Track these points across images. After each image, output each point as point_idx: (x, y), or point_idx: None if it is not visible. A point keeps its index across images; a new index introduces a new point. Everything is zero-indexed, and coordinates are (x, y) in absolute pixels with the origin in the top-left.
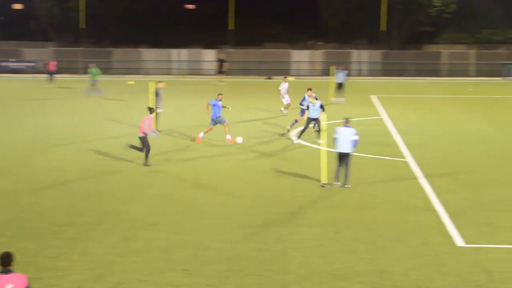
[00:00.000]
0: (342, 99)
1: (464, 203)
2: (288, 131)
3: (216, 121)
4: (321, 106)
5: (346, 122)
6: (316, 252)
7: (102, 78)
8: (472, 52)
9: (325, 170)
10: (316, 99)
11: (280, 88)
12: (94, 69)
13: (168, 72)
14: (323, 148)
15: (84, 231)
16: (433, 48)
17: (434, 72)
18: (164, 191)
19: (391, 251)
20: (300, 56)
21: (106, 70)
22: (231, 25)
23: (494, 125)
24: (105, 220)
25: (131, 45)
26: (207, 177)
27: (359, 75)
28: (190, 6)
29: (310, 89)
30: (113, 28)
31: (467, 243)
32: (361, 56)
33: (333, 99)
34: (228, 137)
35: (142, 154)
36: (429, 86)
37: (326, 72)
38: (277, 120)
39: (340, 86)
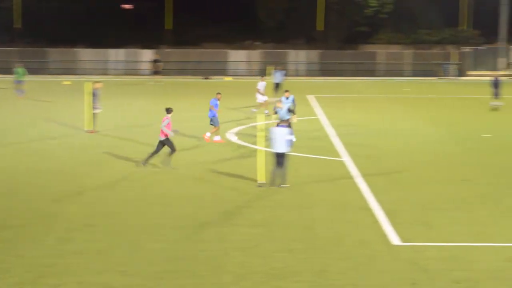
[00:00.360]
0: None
1: (400, 202)
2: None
3: (213, 120)
4: (289, 110)
5: (281, 122)
6: (254, 251)
7: (38, 78)
8: (408, 52)
9: (262, 170)
10: (287, 98)
11: (258, 87)
12: (20, 69)
13: (105, 72)
14: (260, 148)
15: (19, 233)
16: (370, 48)
17: (371, 72)
18: (100, 192)
19: (328, 250)
20: (237, 56)
21: (42, 70)
22: (168, 25)
23: (429, 124)
24: (40, 221)
25: (67, 45)
26: (145, 178)
27: (297, 75)
28: (127, 6)
29: (287, 91)
30: (49, 28)
31: (403, 241)
32: (298, 56)
33: (271, 99)
34: (217, 138)
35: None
36: (366, 86)
37: (263, 72)
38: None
39: (277, 86)
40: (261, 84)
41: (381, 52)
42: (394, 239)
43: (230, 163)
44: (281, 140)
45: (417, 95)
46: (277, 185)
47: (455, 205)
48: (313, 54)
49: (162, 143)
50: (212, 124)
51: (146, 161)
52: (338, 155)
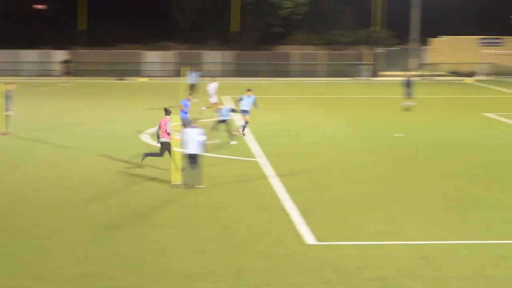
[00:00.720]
0: (195, 100)
1: (314, 201)
2: (243, 135)
3: (184, 121)
4: (233, 110)
5: (193, 123)
6: (170, 252)
7: None
8: (322, 53)
9: (177, 171)
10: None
11: (207, 89)
12: None
13: (17, 73)
14: (175, 149)
15: None
16: (284, 49)
17: (285, 73)
18: (12, 195)
19: (244, 251)
20: (151, 57)
21: None
22: (82, 25)
23: (343, 124)
24: None
25: None
26: (57, 180)
27: (212, 76)
28: (40, 6)
29: (250, 90)
30: None
31: (318, 240)
32: (213, 57)
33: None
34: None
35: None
36: (281, 87)
37: (178, 73)
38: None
39: (193, 87)
40: (212, 86)
41: (296, 52)
42: (309, 238)
43: (145, 165)
44: (193, 141)
45: (331, 95)
46: (192, 186)
47: (368, 204)
48: (228, 55)
49: (162, 144)
50: (183, 125)
51: (144, 157)
52: (253, 156)
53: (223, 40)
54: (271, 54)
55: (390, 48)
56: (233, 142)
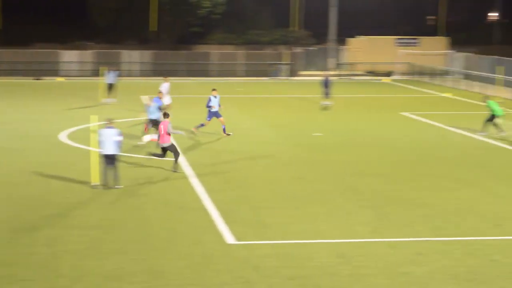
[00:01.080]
0: (113, 100)
1: (234, 201)
2: (193, 132)
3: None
4: (160, 108)
5: (109, 124)
6: (88, 254)
7: None
8: (240, 52)
9: (96, 171)
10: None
11: (160, 89)
12: None
13: None
14: (94, 150)
15: None
16: (203, 48)
17: (204, 72)
18: None
19: (164, 251)
20: (69, 57)
21: None
22: None
23: (262, 123)
24: None
25: None
26: None
27: (130, 75)
28: None
29: (215, 90)
30: None
31: (237, 240)
32: (131, 56)
33: (104, 100)
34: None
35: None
36: (200, 86)
37: (96, 73)
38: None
39: (111, 87)
40: (164, 86)
41: (215, 52)
42: (229, 238)
43: (63, 165)
44: (110, 141)
45: (250, 95)
46: (110, 186)
47: (288, 203)
48: (147, 55)
49: (170, 147)
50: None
51: (175, 166)
52: (173, 156)
53: (142, 40)
54: (190, 54)
55: (308, 48)
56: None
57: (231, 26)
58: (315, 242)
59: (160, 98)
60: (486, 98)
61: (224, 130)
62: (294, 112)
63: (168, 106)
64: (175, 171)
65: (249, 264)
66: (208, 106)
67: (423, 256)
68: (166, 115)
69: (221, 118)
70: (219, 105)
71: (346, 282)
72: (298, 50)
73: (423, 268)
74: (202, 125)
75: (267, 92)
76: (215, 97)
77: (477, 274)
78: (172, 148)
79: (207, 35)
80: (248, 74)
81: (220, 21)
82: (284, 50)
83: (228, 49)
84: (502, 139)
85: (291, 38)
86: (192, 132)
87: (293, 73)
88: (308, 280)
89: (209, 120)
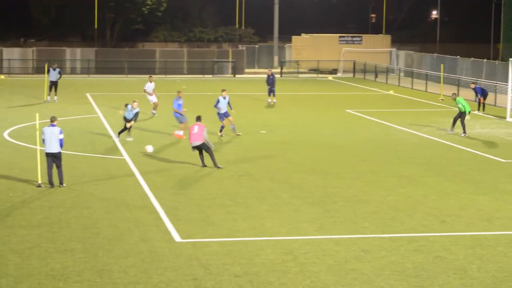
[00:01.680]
0: (55, 98)
1: (180, 199)
2: (221, 135)
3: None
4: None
5: (52, 121)
6: (33, 253)
7: None
8: (184, 50)
9: (40, 170)
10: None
11: (145, 88)
12: None
13: None
14: (39, 148)
15: None
16: (147, 46)
17: (149, 70)
18: None
19: (110, 249)
20: (11, 54)
21: None
22: None
23: (207, 121)
24: None
25: None
26: None
27: (73, 73)
28: None
29: (224, 90)
30: None
31: (184, 238)
32: (74, 54)
33: (47, 98)
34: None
35: None
36: (143, 84)
37: (39, 70)
38: (148, 123)
39: (53, 84)
40: (148, 85)
41: (158, 50)
42: (176, 236)
43: (6, 164)
44: (53, 139)
45: (194, 92)
46: (55, 185)
47: (234, 201)
48: (89, 52)
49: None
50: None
51: (216, 165)
52: (118, 153)
53: (85, 37)
54: (133, 51)
55: (253, 46)
56: (129, 139)
57: (175, 24)
58: (262, 240)
59: (224, 97)
60: (454, 95)
61: (233, 129)
62: (238, 109)
63: (155, 104)
64: (218, 167)
65: (196, 262)
66: (216, 107)
67: (369, 253)
68: (198, 118)
69: (230, 118)
70: (230, 107)
71: (294, 279)
72: (242, 47)
73: (369, 264)
74: (222, 127)
75: (211, 90)
76: (224, 98)
77: (422, 270)
78: (204, 147)
79: (151, 33)
80: (192, 71)
81: (164, 18)
82: (228, 48)
83: (172, 47)
84: (440, 137)
85: (235, 35)
86: (219, 137)
87: (237, 70)
88: (255, 277)
89: (223, 120)
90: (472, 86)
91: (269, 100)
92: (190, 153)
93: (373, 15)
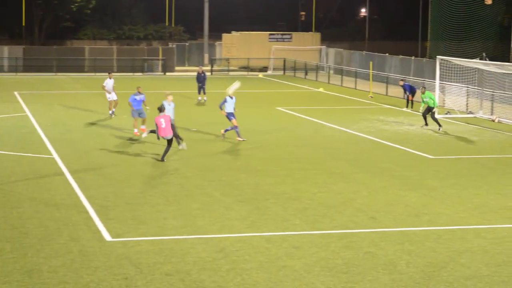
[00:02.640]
0: None
1: (110, 197)
2: (223, 135)
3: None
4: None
5: None
6: None
7: None
8: (114, 47)
9: None
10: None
11: (104, 84)
12: None
13: None
14: None
15: None
16: (76, 43)
17: (78, 68)
18: None
19: (39, 249)
20: None
21: None
22: None
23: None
24: None
25: None
26: None
27: (1, 71)
28: None
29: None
30: None
31: (115, 237)
32: (1, 52)
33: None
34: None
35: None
36: (73, 82)
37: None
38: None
39: None
40: (107, 82)
41: (88, 47)
42: (106, 235)
43: None
44: None
45: (124, 90)
46: None
47: (165, 199)
48: (17, 50)
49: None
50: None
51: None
52: (47, 152)
53: (12, 35)
54: (62, 49)
55: (183, 43)
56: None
57: (104, 21)
58: (193, 238)
59: (231, 97)
60: (424, 89)
61: (237, 134)
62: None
63: (115, 102)
64: (163, 160)
65: (127, 261)
66: (220, 108)
67: (300, 250)
68: (161, 109)
69: (234, 120)
70: (234, 109)
71: (226, 277)
72: (172, 45)
73: (300, 261)
74: (236, 127)
75: (142, 88)
76: (231, 97)
77: (353, 266)
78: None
79: (80, 30)
80: (122, 69)
81: (93, 16)
82: (158, 46)
83: (101, 45)
84: (369, 133)
85: (165, 33)
86: (242, 139)
87: (167, 68)
88: (187, 275)
89: (233, 118)
90: (401, 83)
91: (200, 98)
92: (121, 152)
93: (303, 13)
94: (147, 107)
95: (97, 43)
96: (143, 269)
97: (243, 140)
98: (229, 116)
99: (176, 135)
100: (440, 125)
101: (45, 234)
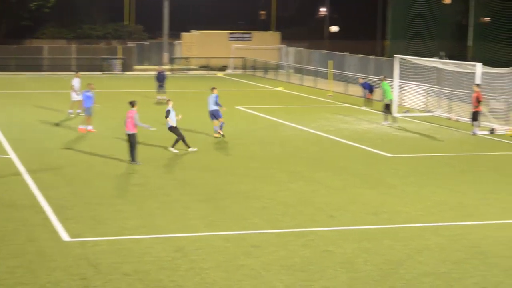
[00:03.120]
0: None
1: (68, 197)
2: (222, 135)
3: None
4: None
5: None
6: None
7: None
8: (73, 47)
9: None
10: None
11: (73, 84)
12: None
13: None
14: None
15: None
16: (35, 43)
17: (36, 67)
18: None
19: None
20: None
21: None
22: None
23: (96, 118)
24: None
25: None
26: None
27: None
28: None
29: (215, 88)
30: None
31: (73, 237)
32: None
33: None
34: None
35: None
36: (31, 81)
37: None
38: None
39: None
40: (76, 81)
41: (46, 47)
42: (64, 235)
43: None
44: None
45: (81, 89)
46: None
47: (123, 199)
48: None
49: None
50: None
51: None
52: (4, 152)
53: None
54: (20, 48)
55: (142, 42)
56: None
57: (63, 20)
58: (152, 237)
59: (91, 89)
60: (383, 78)
61: (220, 127)
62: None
63: (80, 103)
64: (135, 163)
65: (85, 261)
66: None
67: (259, 248)
68: (133, 103)
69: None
70: (219, 105)
71: (184, 276)
72: (132, 44)
73: (259, 260)
74: (222, 124)
75: (101, 87)
76: (214, 95)
77: (311, 265)
78: (132, 138)
79: (39, 29)
80: (81, 68)
81: (52, 15)
82: (117, 45)
83: (60, 44)
84: (328, 132)
85: (124, 32)
86: (222, 136)
87: (127, 67)
88: (146, 275)
89: (220, 117)
90: (361, 81)
91: (159, 97)
92: (79, 152)
93: (263, 12)
94: (97, 105)
95: (56, 42)
96: (102, 269)
97: (221, 136)
98: (217, 113)
99: (182, 139)
100: (386, 120)
101: (2, 235)
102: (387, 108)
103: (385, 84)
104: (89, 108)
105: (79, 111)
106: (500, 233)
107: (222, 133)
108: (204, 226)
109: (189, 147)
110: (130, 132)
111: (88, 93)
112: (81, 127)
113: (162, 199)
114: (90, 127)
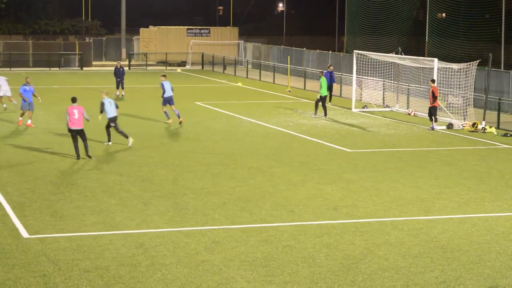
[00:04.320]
0: None
1: (27, 194)
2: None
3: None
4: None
5: None
6: None
7: None
8: (30, 42)
9: None
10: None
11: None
12: None
13: None
14: None
15: None
16: None
17: None
18: None
19: None
20: None
21: None
22: None
23: (55, 114)
24: None
25: None
26: None
27: None
28: None
29: (164, 76)
30: None
31: (32, 234)
32: None
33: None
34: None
35: None
36: None
37: None
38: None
39: None
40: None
41: (2, 42)
42: (23, 232)
43: None
44: None
45: (41, 86)
46: None
47: (83, 195)
48: None
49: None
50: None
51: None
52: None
53: None
54: None
55: (100, 38)
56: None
57: (19, 16)
58: (112, 234)
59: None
60: (321, 73)
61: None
62: (86, 103)
63: (9, 98)
64: (89, 156)
65: (45, 258)
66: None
67: (220, 244)
68: (74, 99)
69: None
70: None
71: (145, 272)
72: (89, 40)
73: (220, 255)
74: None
75: (58, 83)
76: (166, 82)
77: (272, 260)
78: (82, 133)
79: None
80: (38, 64)
81: (7, 10)
82: (74, 40)
83: (16, 39)
84: (287, 127)
85: (81, 28)
86: (180, 122)
87: (84, 63)
88: (106, 271)
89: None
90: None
91: (117, 93)
92: (39, 148)
93: (221, 8)
94: (39, 98)
95: (12, 38)
96: (61, 266)
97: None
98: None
99: (120, 132)
100: (315, 114)
101: None
102: (319, 101)
103: (323, 79)
104: (31, 103)
105: (5, 105)
106: (458, 227)
107: (181, 119)
108: (165, 222)
109: (108, 141)
110: (81, 127)
111: (26, 87)
112: (29, 122)
113: (121, 195)
114: (29, 121)
